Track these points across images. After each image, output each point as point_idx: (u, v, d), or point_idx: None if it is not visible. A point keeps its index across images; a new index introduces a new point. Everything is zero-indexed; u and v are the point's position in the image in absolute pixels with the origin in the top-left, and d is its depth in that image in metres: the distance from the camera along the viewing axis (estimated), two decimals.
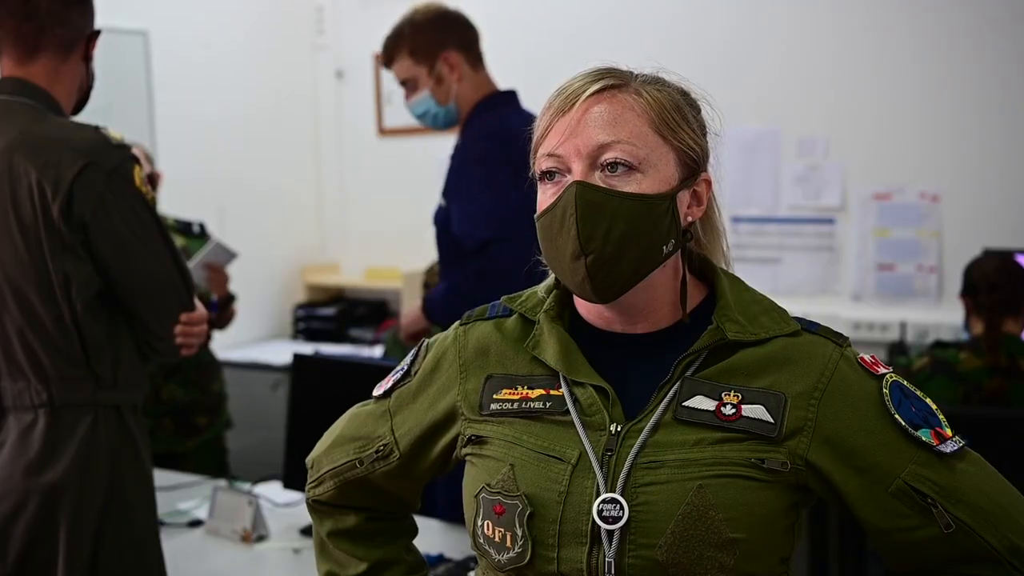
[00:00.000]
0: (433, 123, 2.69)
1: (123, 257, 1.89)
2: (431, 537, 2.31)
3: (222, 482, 2.83)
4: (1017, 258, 3.12)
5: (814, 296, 4.18)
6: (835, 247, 4.17)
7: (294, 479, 2.59)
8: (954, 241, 3.94)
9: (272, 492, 2.74)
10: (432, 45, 2.57)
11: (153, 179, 3.51)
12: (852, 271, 4.15)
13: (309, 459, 1.41)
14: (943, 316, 3.91)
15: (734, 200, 4.27)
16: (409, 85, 2.65)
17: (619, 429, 1.14)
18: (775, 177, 4.24)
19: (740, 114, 4.18)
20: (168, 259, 1.95)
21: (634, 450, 1.12)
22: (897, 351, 3.83)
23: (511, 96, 2.64)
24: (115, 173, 1.85)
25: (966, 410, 2.74)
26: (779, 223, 4.26)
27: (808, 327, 1.18)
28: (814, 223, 4.20)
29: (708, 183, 1.20)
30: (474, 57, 2.61)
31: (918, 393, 1.17)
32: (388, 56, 2.65)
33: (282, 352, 4.56)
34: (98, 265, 1.88)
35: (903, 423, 1.12)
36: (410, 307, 2.67)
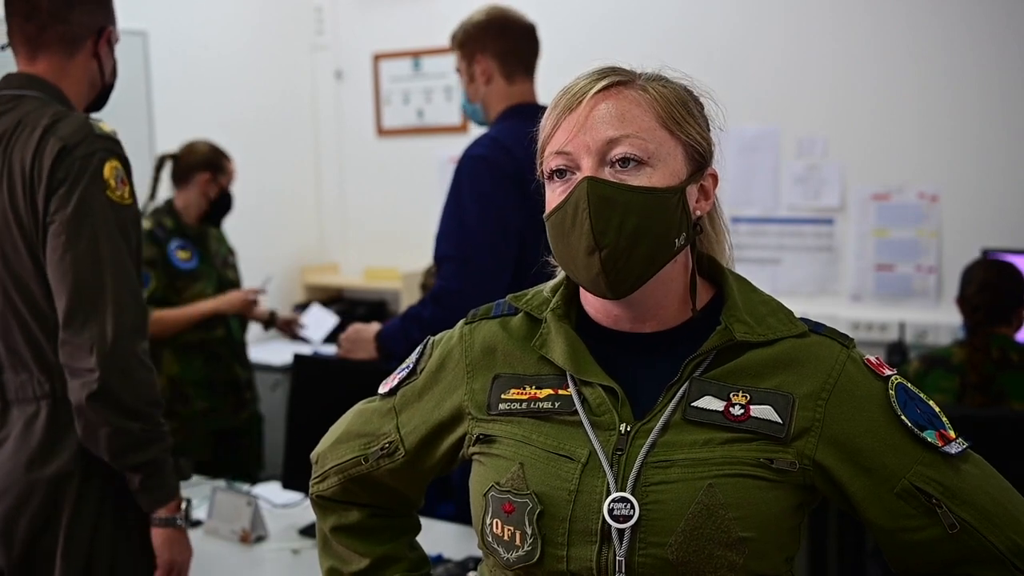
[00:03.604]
0: (470, 116, 2.81)
1: (56, 243, 1.79)
2: (430, 537, 2.30)
3: (221, 482, 2.83)
4: (1013, 260, 3.14)
5: (813, 296, 4.18)
6: (834, 247, 4.17)
7: (293, 480, 2.59)
8: (953, 241, 3.94)
9: (271, 493, 2.74)
10: (472, 45, 2.66)
11: (225, 176, 3.63)
12: (851, 271, 4.15)
13: (314, 454, 1.41)
14: (942, 316, 3.91)
15: (733, 200, 4.27)
16: (460, 75, 2.75)
17: (628, 429, 1.14)
18: (774, 177, 4.24)
19: (739, 114, 4.18)
20: (99, 265, 1.80)
21: (644, 449, 1.12)
22: (896, 351, 3.83)
23: (535, 108, 2.63)
24: (84, 160, 1.81)
25: (965, 410, 2.77)
26: (778, 223, 4.26)
27: (815, 328, 1.19)
28: (813, 223, 4.20)
29: (715, 178, 1.21)
30: (511, 68, 2.65)
31: (922, 396, 1.18)
32: (451, 43, 2.75)
33: (281, 352, 4.56)
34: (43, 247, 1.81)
35: (909, 424, 1.12)
36: (361, 329, 2.63)
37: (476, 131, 2.94)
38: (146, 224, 3.40)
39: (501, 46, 2.64)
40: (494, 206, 2.44)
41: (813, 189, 4.17)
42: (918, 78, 3.93)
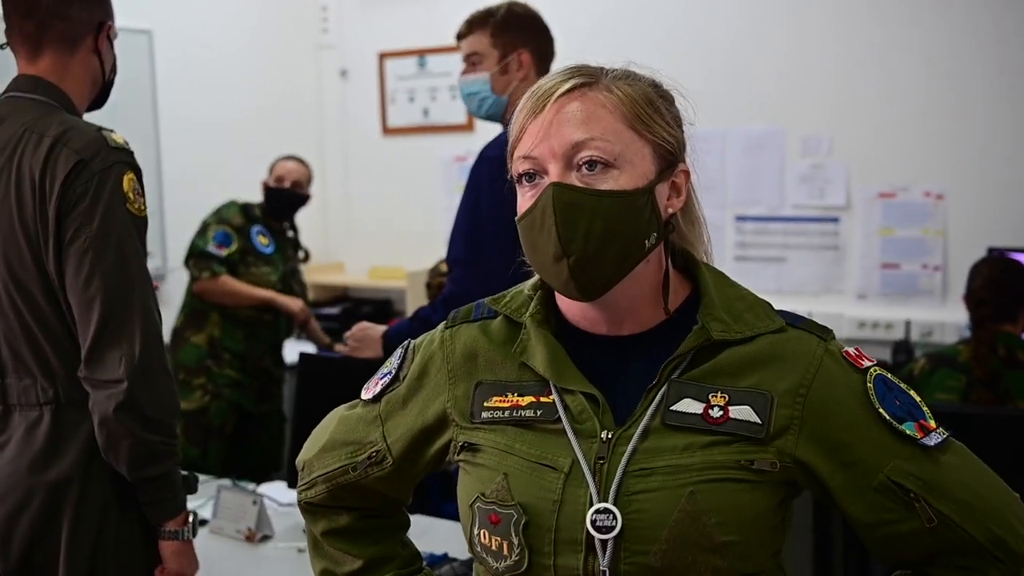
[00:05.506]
0: (477, 107, 2.71)
1: (81, 260, 1.79)
2: (438, 537, 2.31)
3: (226, 481, 2.83)
4: (1017, 257, 3.14)
5: (819, 295, 4.17)
6: (840, 246, 4.17)
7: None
8: (959, 240, 3.93)
9: (276, 491, 2.74)
10: (515, 36, 2.61)
11: (271, 176, 4.03)
12: (857, 270, 4.14)
13: (299, 461, 1.39)
14: (948, 315, 3.91)
15: (738, 199, 4.27)
16: (472, 60, 2.67)
17: (610, 436, 1.13)
18: (779, 176, 4.23)
19: (744, 113, 4.18)
20: (128, 279, 1.80)
21: (625, 458, 1.11)
22: (902, 350, 3.83)
23: None
24: (104, 174, 1.81)
25: (972, 408, 2.76)
26: (784, 222, 4.25)
27: (792, 321, 1.18)
28: (819, 222, 4.19)
29: (686, 174, 1.20)
30: (542, 68, 2.64)
31: (902, 385, 1.18)
32: (468, 27, 2.67)
33: (287, 351, 4.55)
34: (62, 262, 1.81)
35: (887, 417, 1.12)
36: (368, 327, 2.63)
37: (483, 129, 2.93)
38: (238, 200, 3.96)
39: (541, 45, 2.62)
40: (508, 208, 2.43)
41: (818, 188, 4.17)
42: (923, 76, 3.93)
